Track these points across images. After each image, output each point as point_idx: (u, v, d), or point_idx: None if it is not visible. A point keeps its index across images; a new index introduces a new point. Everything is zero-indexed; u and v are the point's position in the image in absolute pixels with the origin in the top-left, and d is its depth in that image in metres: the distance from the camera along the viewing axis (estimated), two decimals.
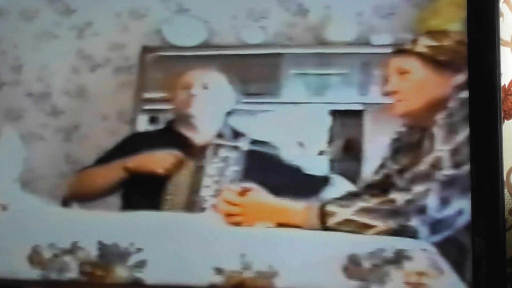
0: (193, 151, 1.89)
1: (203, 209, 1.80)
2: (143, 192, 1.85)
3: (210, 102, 1.95)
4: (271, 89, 1.95)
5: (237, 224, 1.66)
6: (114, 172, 1.88)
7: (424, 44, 1.69)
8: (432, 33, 1.70)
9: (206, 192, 1.82)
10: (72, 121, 2.04)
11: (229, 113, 1.94)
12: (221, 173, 1.85)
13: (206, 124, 1.94)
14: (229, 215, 1.68)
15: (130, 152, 1.89)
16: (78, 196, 1.87)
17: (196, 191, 1.83)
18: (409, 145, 1.68)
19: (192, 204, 1.81)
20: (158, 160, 1.87)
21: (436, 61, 1.67)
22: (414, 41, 1.70)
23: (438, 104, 1.64)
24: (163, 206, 1.81)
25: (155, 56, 2.03)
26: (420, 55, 1.68)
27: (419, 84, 1.68)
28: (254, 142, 1.89)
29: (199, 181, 1.84)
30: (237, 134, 1.92)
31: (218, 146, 1.89)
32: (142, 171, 1.86)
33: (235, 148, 1.87)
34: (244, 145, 1.88)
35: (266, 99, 1.95)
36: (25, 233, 1.69)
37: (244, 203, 1.68)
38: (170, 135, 1.95)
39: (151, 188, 1.85)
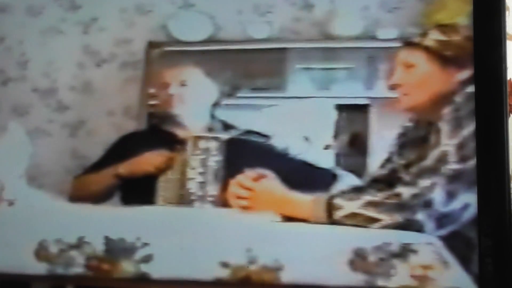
0: (181, 146, 1.90)
1: (191, 202, 1.81)
2: (136, 189, 1.87)
3: (191, 98, 1.96)
4: (276, 84, 1.96)
5: (244, 208, 1.67)
6: (106, 179, 1.89)
7: (432, 38, 1.68)
8: (442, 27, 1.69)
9: (191, 185, 1.83)
10: (78, 116, 2.05)
11: (215, 106, 1.95)
12: (203, 164, 1.85)
13: (193, 120, 1.95)
14: (237, 197, 1.68)
15: (121, 155, 1.91)
16: (79, 201, 1.87)
17: (183, 184, 1.83)
18: (415, 140, 1.68)
19: (182, 198, 1.82)
20: (147, 160, 1.88)
21: (441, 56, 1.66)
22: (424, 35, 1.70)
23: (443, 99, 1.63)
24: (156, 202, 1.84)
25: (161, 51, 2.04)
26: (426, 49, 1.67)
27: (423, 78, 1.68)
28: (246, 133, 1.90)
29: (185, 174, 1.85)
30: (227, 127, 1.93)
31: (198, 137, 1.89)
32: (133, 175, 1.87)
33: (215, 138, 1.87)
34: (223, 135, 1.88)
35: (272, 94, 1.95)
36: (31, 228, 1.69)
37: (255, 189, 1.69)
38: (159, 134, 1.97)
39: (143, 186, 1.87)
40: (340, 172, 1.80)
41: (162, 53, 2.03)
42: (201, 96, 1.96)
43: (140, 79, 2.03)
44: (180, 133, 1.94)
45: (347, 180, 1.76)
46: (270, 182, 1.70)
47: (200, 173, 1.84)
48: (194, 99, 1.96)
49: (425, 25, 1.72)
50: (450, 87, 1.63)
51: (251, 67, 1.97)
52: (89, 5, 2.07)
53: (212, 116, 1.95)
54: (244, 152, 1.86)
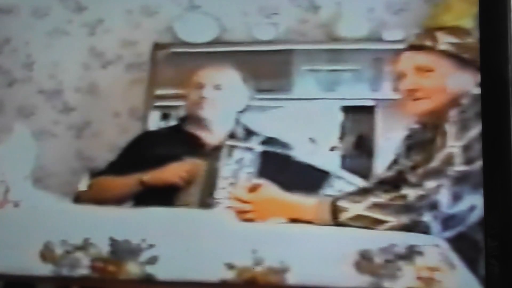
0: (205, 151, 1.89)
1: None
2: (158, 194, 1.86)
3: (223, 103, 1.94)
4: (282, 85, 1.96)
5: (250, 220, 1.66)
6: (130, 185, 1.88)
7: (446, 41, 1.67)
8: (450, 29, 1.68)
9: (221, 194, 1.83)
10: (83, 118, 2.06)
11: (241, 111, 1.94)
12: (235, 174, 1.84)
13: (218, 124, 1.93)
14: (241, 212, 1.68)
15: (142, 152, 1.90)
16: (93, 201, 1.87)
17: (210, 193, 1.83)
18: (422, 142, 1.67)
19: (207, 206, 1.82)
20: (173, 171, 1.86)
21: (460, 58, 1.65)
22: (433, 38, 1.68)
23: (453, 101, 1.63)
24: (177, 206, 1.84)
25: (167, 52, 2.04)
26: (443, 52, 1.66)
27: (443, 81, 1.66)
28: (268, 140, 1.89)
29: (213, 183, 1.84)
30: (249, 133, 1.92)
31: (232, 147, 1.88)
32: (158, 184, 1.86)
33: (249, 149, 1.87)
34: (258, 146, 1.87)
35: (278, 95, 1.96)
36: (36, 230, 1.69)
37: (255, 200, 1.68)
38: (182, 134, 1.95)
39: (165, 190, 1.86)
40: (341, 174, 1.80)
41: (168, 55, 2.04)
42: (233, 101, 1.94)
43: (145, 81, 2.04)
44: (204, 136, 1.93)
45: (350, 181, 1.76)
46: (268, 190, 1.69)
47: (231, 184, 1.83)
48: (225, 104, 1.94)
49: (431, 27, 1.71)
50: (469, 89, 1.62)
51: (257, 68, 1.97)
52: (95, 7, 2.07)
53: (237, 122, 1.94)
54: (273, 163, 1.85)
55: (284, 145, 1.88)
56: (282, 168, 1.83)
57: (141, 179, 1.86)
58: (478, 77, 1.61)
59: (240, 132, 1.92)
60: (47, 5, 2.10)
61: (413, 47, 1.70)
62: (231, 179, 1.83)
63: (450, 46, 1.65)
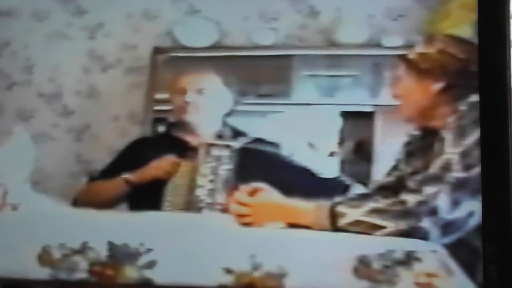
0: (192, 154, 1.90)
1: (200, 209, 1.82)
2: (144, 195, 1.87)
3: (206, 107, 1.95)
4: (282, 90, 1.96)
5: (248, 224, 1.66)
6: (117, 186, 1.89)
7: (418, 50, 1.69)
8: (428, 39, 1.70)
9: (201, 192, 1.83)
10: (83, 121, 2.06)
11: (228, 114, 1.96)
12: (214, 172, 1.85)
13: (204, 128, 1.95)
14: (239, 215, 1.68)
15: (131, 161, 1.91)
16: (87, 206, 1.87)
17: (192, 191, 1.83)
18: (421, 148, 1.68)
19: (190, 204, 1.82)
20: (156, 166, 1.88)
21: (418, 68, 1.66)
22: (411, 47, 1.70)
23: (434, 110, 1.63)
24: (163, 207, 1.84)
25: (167, 57, 2.05)
26: (408, 61, 1.68)
27: (406, 90, 1.68)
28: (255, 140, 1.90)
29: (194, 181, 1.85)
30: (237, 134, 1.93)
31: (211, 145, 1.89)
32: (143, 181, 1.87)
33: (227, 146, 1.88)
34: (236, 143, 1.88)
35: (277, 100, 1.96)
36: (35, 233, 1.69)
37: (254, 204, 1.68)
38: (170, 140, 1.97)
39: (151, 191, 1.87)
40: (349, 181, 1.80)
41: (168, 59, 2.04)
42: (217, 105, 1.96)
43: (145, 85, 2.04)
44: (191, 140, 1.94)
45: (355, 189, 1.76)
46: (268, 194, 1.69)
47: (210, 181, 1.84)
48: (209, 108, 1.96)
49: (429, 33, 1.73)
50: (431, 100, 1.63)
51: (257, 73, 1.97)
52: (95, 10, 2.07)
53: (224, 123, 1.95)
54: (255, 161, 1.86)
55: (272, 145, 1.89)
56: (265, 165, 1.84)
57: (126, 179, 1.87)
58: (432, 88, 1.63)
59: (227, 134, 1.93)
60: (47, 8, 2.10)
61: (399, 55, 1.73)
62: (210, 176, 1.84)
63: (415, 55, 1.67)
